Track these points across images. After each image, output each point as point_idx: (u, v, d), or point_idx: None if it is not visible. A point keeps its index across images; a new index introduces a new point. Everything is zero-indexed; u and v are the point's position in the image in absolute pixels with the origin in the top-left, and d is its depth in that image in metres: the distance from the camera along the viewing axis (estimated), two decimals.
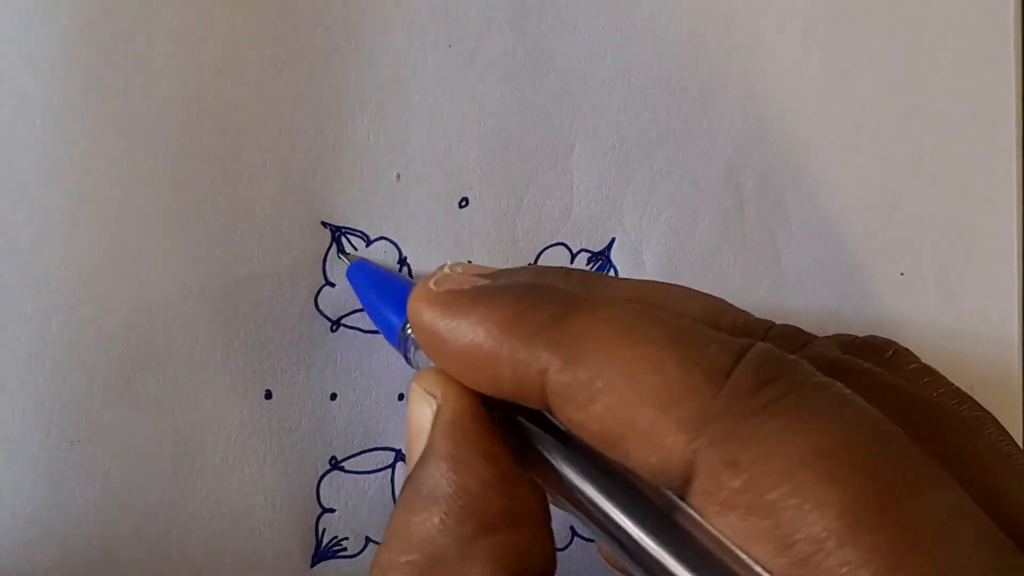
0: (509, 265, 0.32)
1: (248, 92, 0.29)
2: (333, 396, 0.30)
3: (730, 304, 0.24)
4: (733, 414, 0.18)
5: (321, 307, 0.30)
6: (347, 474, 0.30)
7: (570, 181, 0.32)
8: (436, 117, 0.31)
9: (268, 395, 0.29)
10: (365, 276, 0.30)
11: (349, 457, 0.30)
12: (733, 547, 0.18)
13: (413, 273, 0.31)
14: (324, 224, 0.30)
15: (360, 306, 0.30)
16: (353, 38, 0.30)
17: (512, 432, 0.23)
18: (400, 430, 0.31)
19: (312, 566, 0.30)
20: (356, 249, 0.30)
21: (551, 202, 0.32)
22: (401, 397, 0.31)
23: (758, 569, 0.18)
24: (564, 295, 0.22)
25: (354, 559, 0.31)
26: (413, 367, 0.26)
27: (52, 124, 0.27)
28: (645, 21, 0.33)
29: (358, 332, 0.30)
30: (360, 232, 0.30)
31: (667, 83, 0.33)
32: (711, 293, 0.26)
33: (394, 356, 0.31)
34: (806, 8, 0.35)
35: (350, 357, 0.30)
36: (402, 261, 0.31)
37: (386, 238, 0.30)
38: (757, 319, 0.24)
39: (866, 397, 0.19)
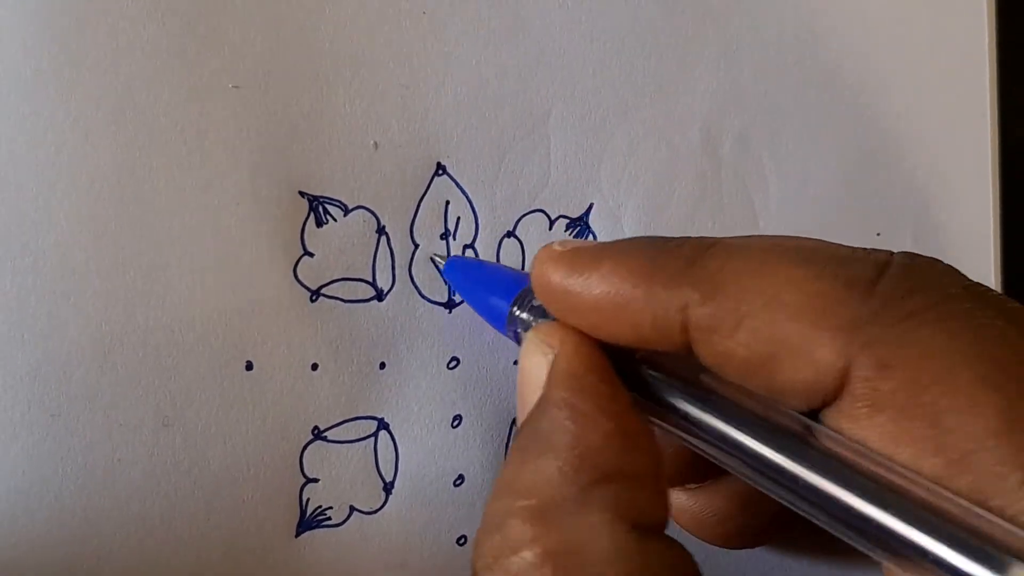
0: (489, 232, 0.32)
1: (222, 61, 0.28)
2: (314, 366, 0.30)
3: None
4: (887, 319, 0.19)
5: (300, 277, 0.30)
6: (330, 444, 0.31)
7: (547, 147, 0.32)
8: (412, 84, 0.31)
9: (249, 366, 0.29)
10: (463, 270, 0.31)
11: (332, 427, 0.30)
12: (878, 455, 0.19)
13: (392, 244, 0.31)
14: (302, 193, 0.30)
15: (340, 275, 0.30)
16: (327, 5, 0.29)
17: (631, 382, 0.23)
18: (382, 399, 0.31)
19: (297, 536, 0.30)
20: (335, 219, 0.30)
21: (528, 168, 0.32)
22: (383, 366, 0.31)
23: (904, 471, 0.18)
24: (693, 240, 0.23)
25: (338, 528, 0.31)
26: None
27: (24, 98, 0.27)
28: None
29: (338, 302, 0.30)
30: (338, 201, 0.30)
31: (643, 46, 0.33)
32: None
33: (374, 325, 0.31)
34: None
35: (331, 327, 0.30)
36: (380, 230, 0.31)
37: (364, 207, 0.30)
38: (873, 248, 0.24)
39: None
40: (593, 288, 0.23)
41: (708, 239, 0.23)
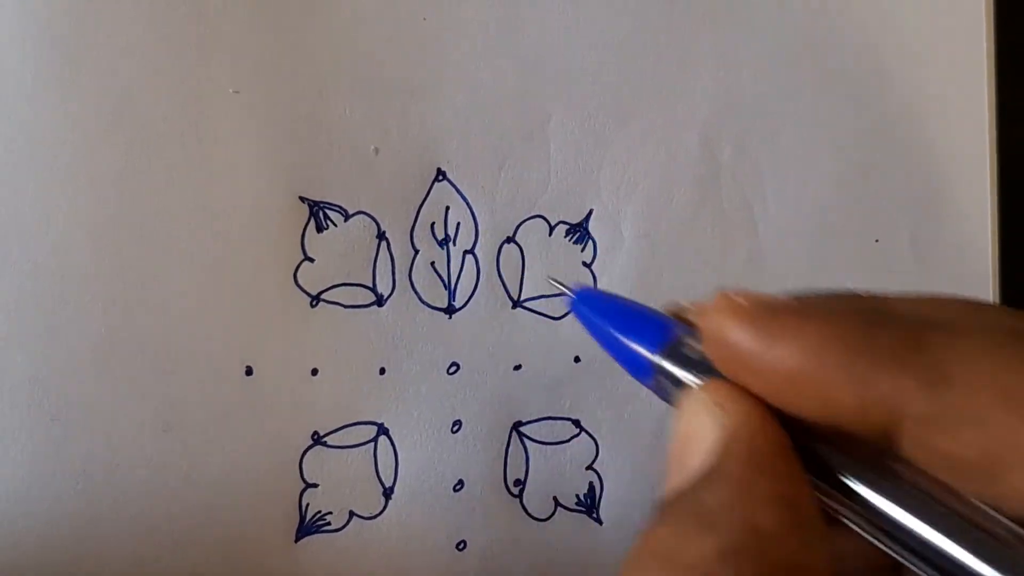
0: (489, 238, 0.32)
1: (222, 65, 0.29)
2: (314, 371, 0.30)
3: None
4: None
5: (300, 282, 0.30)
6: (330, 449, 0.31)
7: (547, 152, 0.32)
8: (412, 90, 0.31)
9: (249, 371, 0.29)
10: (597, 306, 0.28)
11: (331, 432, 0.31)
12: None
13: (392, 249, 0.31)
14: (302, 199, 0.30)
15: (340, 281, 0.30)
16: (327, 11, 0.30)
17: (806, 459, 0.21)
18: (382, 404, 0.31)
19: (296, 541, 0.30)
20: (335, 225, 0.30)
21: (528, 174, 0.32)
22: (383, 371, 0.31)
23: None
24: (909, 316, 0.20)
25: (338, 533, 0.31)
26: (670, 403, 0.24)
27: (23, 101, 0.27)
28: None
29: (338, 307, 0.30)
30: (338, 207, 0.30)
31: (641, 52, 0.33)
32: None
33: (374, 331, 0.31)
34: None
35: (330, 332, 0.30)
36: (381, 235, 0.31)
37: (364, 212, 0.30)
38: None
39: None
40: (787, 357, 0.20)
41: (929, 312, 0.21)
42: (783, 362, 0.20)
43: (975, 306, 0.21)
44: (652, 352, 0.24)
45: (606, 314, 0.27)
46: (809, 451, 0.21)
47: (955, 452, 0.19)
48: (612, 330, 0.26)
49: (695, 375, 0.23)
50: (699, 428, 0.21)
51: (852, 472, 0.20)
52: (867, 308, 0.21)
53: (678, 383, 0.23)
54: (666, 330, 0.25)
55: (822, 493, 0.21)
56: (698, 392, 0.22)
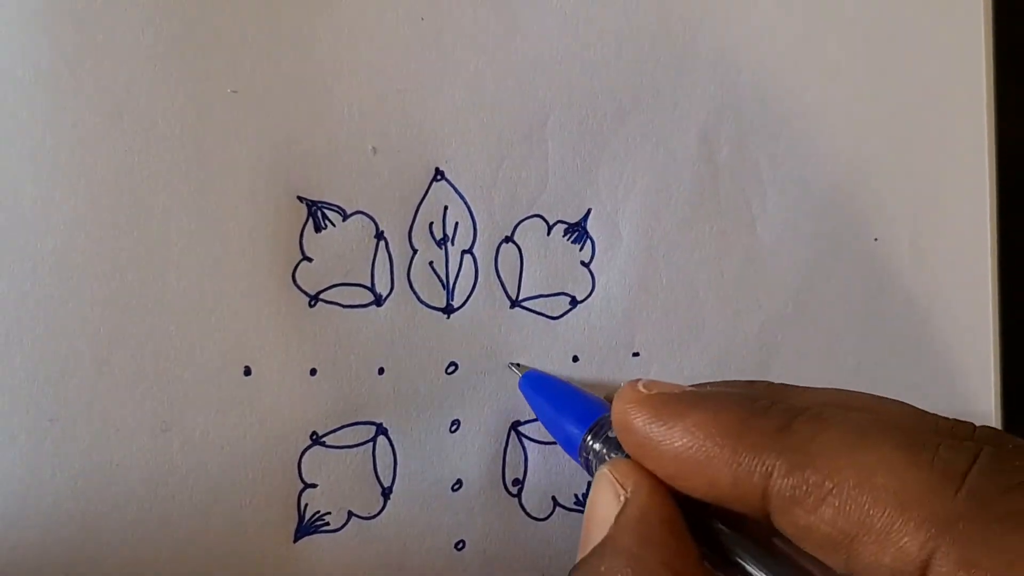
0: (487, 237, 0.32)
1: (220, 65, 0.29)
2: (313, 371, 0.30)
3: (920, 408, 0.24)
4: (977, 517, 0.19)
5: (299, 282, 0.30)
6: (328, 449, 0.30)
7: (545, 152, 0.32)
8: (410, 90, 0.31)
9: (247, 371, 0.29)
10: (539, 387, 0.31)
11: (330, 432, 0.30)
12: None
13: (390, 249, 0.31)
14: (300, 198, 0.30)
15: (339, 281, 0.30)
16: (326, 11, 0.30)
17: (700, 535, 0.23)
18: (380, 404, 0.31)
19: (295, 541, 0.30)
20: (334, 224, 0.30)
21: (526, 173, 0.32)
22: (381, 371, 0.31)
23: None
24: (784, 404, 0.22)
25: (336, 533, 0.31)
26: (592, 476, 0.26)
27: (22, 102, 0.27)
28: None
29: (337, 307, 0.30)
30: (336, 206, 0.30)
31: (640, 51, 0.33)
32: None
33: (372, 331, 0.31)
34: None
35: (329, 332, 0.30)
36: (379, 235, 0.31)
37: (363, 212, 0.30)
38: (956, 420, 0.23)
39: None
40: (675, 439, 0.23)
41: (799, 401, 0.23)
42: (671, 444, 0.23)
43: (872, 400, 0.23)
44: (579, 431, 0.27)
45: (546, 393, 0.31)
46: (703, 526, 0.23)
47: (815, 527, 0.21)
48: (549, 408, 0.30)
49: (614, 454, 0.26)
50: (602, 504, 0.24)
51: (737, 546, 0.22)
52: (756, 397, 0.23)
53: (601, 459, 0.26)
54: (595, 411, 0.28)
55: (714, 566, 0.23)
56: (603, 470, 0.24)
